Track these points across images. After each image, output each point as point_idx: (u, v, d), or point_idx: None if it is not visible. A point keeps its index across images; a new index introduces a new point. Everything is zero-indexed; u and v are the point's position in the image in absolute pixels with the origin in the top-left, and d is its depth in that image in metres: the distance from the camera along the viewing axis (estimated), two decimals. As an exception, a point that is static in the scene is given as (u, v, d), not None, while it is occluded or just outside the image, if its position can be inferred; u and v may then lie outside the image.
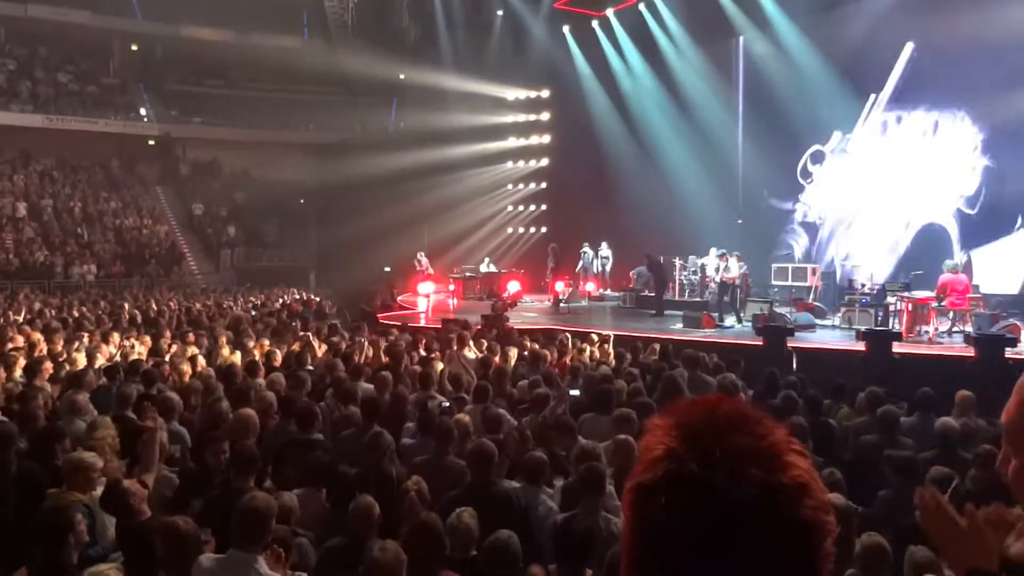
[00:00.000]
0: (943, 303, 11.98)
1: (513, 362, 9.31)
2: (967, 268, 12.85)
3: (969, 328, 11.70)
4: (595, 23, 22.60)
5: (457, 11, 24.18)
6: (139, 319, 13.92)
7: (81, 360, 8.49)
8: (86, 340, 10.20)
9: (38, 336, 10.32)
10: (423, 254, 21.03)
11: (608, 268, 20.92)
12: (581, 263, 20.72)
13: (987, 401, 6.85)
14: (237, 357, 9.33)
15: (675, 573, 0.87)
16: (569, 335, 10.97)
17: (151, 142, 31.85)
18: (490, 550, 3.57)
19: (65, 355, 8.93)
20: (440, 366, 8.68)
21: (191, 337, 10.54)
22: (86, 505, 4.15)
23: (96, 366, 8.41)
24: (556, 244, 20.44)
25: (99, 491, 4.37)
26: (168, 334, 10.94)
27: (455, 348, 9.71)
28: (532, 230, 25.47)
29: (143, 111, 31.64)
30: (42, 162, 29.79)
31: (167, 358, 9.12)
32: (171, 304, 17.27)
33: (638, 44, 21.34)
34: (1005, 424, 1.43)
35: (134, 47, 33.01)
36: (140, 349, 10.09)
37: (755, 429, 0.90)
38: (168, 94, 32.49)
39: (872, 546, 3.62)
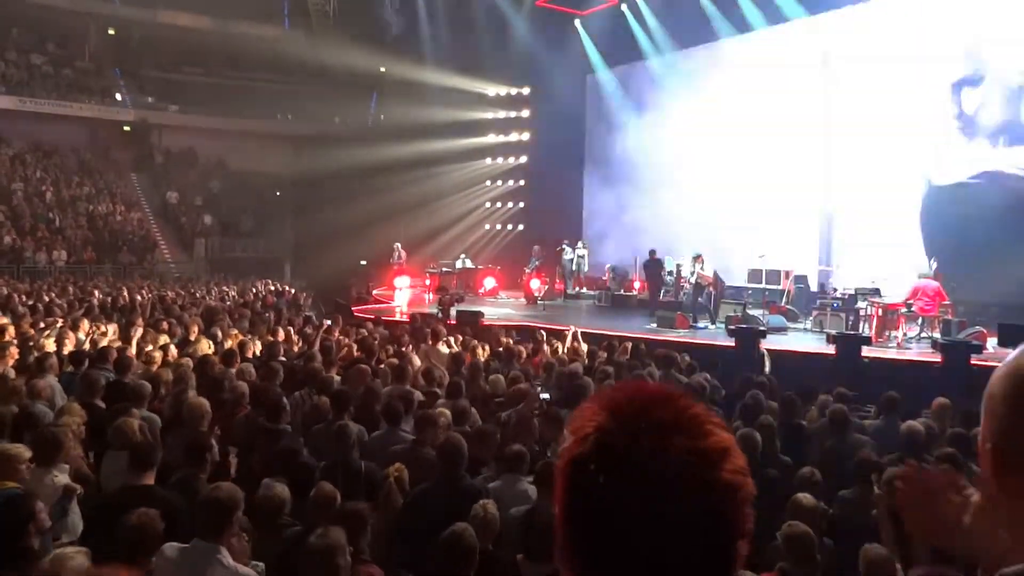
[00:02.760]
0: (912, 308, 12.15)
1: (485, 358, 9.32)
2: (938, 275, 13.03)
3: (937, 334, 11.89)
4: (577, 22, 22.65)
5: (440, 6, 24.11)
6: (110, 306, 13.75)
7: (49, 346, 8.38)
8: (59, 324, 10.06)
9: (5, 320, 10.17)
10: (400, 245, 20.97)
11: (584, 267, 20.98)
12: (562, 262, 20.78)
13: (954, 406, 6.97)
14: (209, 347, 9.25)
15: (607, 542, 0.92)
16: (544, 332, 11.01)
17: (126, 128, 31.44)
18: (444, 543, 3.57)
19: (33, 341, 8.80)
20: (415, 359, 8.67)
21: (163, 326, 10.44)
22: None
23: (64, 352, 8.30)
24: (539, 246, 20.42)
25: (62, 477, 4.32)
26: (140, 322, 10.81)
27: (429, 343, 9.70)
28: (509, 227, 25.48)
29: (119, 96, 31.23)
30: (14, 145, 29.30)
31: (134, 344, 9.03)
32: (143, 292, 17.07)
33: (619, 44, 21.42)
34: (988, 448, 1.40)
35: (111, 31, 32.55)
36: (111, 336, 9.96)
37: (677, 403, 0.97)
38: (144, 80, 32.10)
39: (796, 536, 3.68)
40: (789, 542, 3.68)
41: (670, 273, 17.74)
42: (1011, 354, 1.12)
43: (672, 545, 0.90)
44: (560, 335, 11.17)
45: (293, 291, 20.30)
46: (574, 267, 20.74)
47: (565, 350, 10.22)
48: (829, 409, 6.37)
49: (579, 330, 11.31)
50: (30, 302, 13.75)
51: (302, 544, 3.59)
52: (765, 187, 17.77)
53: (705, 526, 0.91)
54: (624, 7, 20.94)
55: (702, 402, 0.99)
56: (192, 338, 9.84)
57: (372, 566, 3.67)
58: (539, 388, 7.31)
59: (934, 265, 13.31)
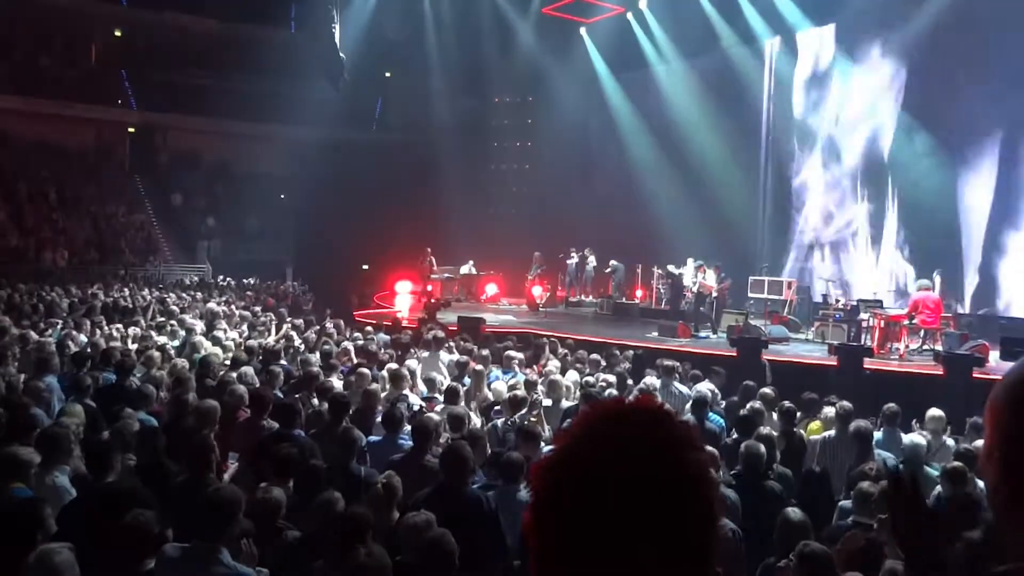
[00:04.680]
0: (914, 321, 12.14)
1: (488, 365, 9.30)
2: (940, 287, 13.04)
3: (939, 347, 11.87)
4: (583, 30, 22.70)
5: (446, 12, 24.16)
6: (111, 308, 13.75)
7: (50, 347, 8.38)
8: (59, 326, 10.07)
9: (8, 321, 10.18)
10: (431, 250, 20.90)
11: (591, 275, 20.92)
12: (568, 270, 20.76)
13: (955, 419, 6.96)
14: (211, 349, 9.25)
15: (573, 540, 0.95)
16: (547, 339, 11.00)
17: (131, 129, 31.48)
18: (424, 547, 3.56)
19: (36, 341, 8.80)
20: (415, 366, 8.65)
21: (165, 328, 10.44)
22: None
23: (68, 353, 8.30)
24: (540, 253, 20.37)
25: (63, 479, 4.31)
26: (142, 324, 10.82)
27: (431, 349, 9.69)
28: (514, 234, 25.41)
29: (124, 98, 31.26)
30: (18, 145, 29.33)
31: (133, 346, 9.03)
32: (145, 294, 17.08)
33: (625, 53, 21.47)
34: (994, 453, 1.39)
35: (117, 33, 32.63)
36: (115, 337, 9.97)
37: (652, 419, 1.00)
38: (150, 82, 32.11)
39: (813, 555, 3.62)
40: (804, 562, 3.60)
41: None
42: (1014, 365, 1.14)
43: (636, 544, 0.93)
44: (562, 342, 11.13)
45: (295, 294, 20.29)
46: (581, 274, 20.72)
47: (565, 356, 10.19)
48: (854, 425, 6.26)
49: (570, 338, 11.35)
50: (32, 302, 13.75)
51: (303, 550, 3.59)
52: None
53: (672, 518, 0.94)
54: (630, 16, 20.98)
55: (683, 422, 1.03)
56: (193, 340, 9.84)
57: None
58: (539, 396, 7.30)
59: (937, 279, 13.30)
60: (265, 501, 4.08)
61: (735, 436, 6.31)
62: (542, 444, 5.67)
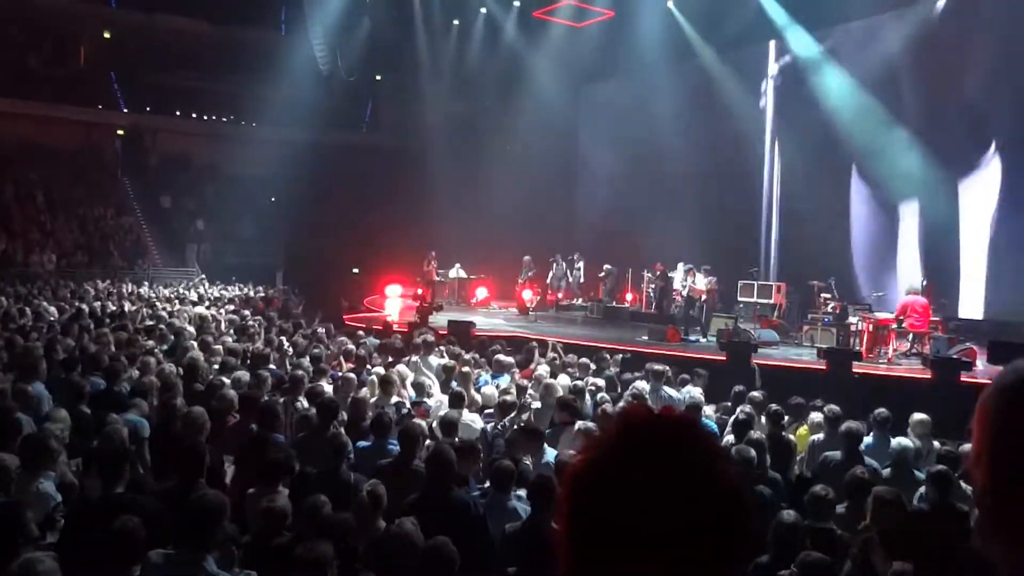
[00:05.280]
0: (903, 325, 12.20)
1: (478, 369, 9.29)
2: (928, 291, 13.09)
3: (927, 350, 11.93)
4: (573, 33, 22.73)
5: (437, 14, 24.16)
6: (100, 312, 13.67)
7: (38, 351, 8.31)
8: (45, 330, 10.00)
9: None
10: (434, 253, 20.89)
11: (580, 278, 20.94)
12: (552, 273, 20.77)
13: (943, 423, 6.99)
14: (199, 354, 9.20)
15: (609, 556, 0.95)
16: (537, 343, 11.00)
17: (119, 131, 31.34)
18: (424, 554, 3.55)
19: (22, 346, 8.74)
20: (405, 370, 8.63)
21: (155, 332, 10.39)
22: None
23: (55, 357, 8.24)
24: (530, 257, 20.36)
25: (48, 484, 4.28)
26: (131, 328, 10.76)
27: (420, 353, 9.67)
28: (503, 237, 25.38)
29: (113, 100, 31.12)
30: (6, 147, 29.14)
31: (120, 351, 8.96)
32: (134, 297, 17.00)
33: (616, 56, 21.52)
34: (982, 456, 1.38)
35: (107, 34, 32.48)
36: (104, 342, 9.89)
37: (689, 434, 1.00)
38: (140, 83, 31.98)
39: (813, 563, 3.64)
40: (805, 570, 3.61)
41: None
42: (1004, 369, 1.14)
43: (672, 555, 0.93)
44: (553, 346, 11.15)
45: (284, 298, 20.22)
46: (569, 279, 20.74)
47: (554, 360, 10.19)
48: (843, 427, 6.26)
49: (558, 341, 11.33)
50: (19, 306, 13.65)
51: (290, 554, 3.57)
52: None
53: (702, 537, 0.93)
54: (620, 20, 21.03)
55: (712, 434, 1.05)
56: (183, 345, 9.79)
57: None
58: (529, 400, 7.30)
59: (924, 282, 13.38)
60: (270, 511, 4.02)
61: (728, 440, 6.33)
62: (545, 445, 5.69)
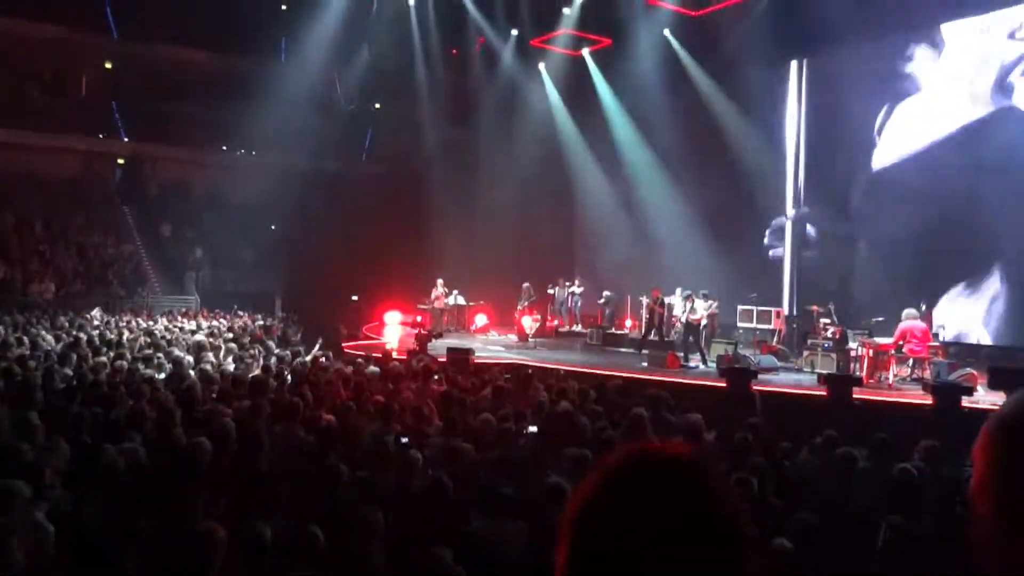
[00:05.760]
0: (903, 350, 12.19)
1: (477, 396, 9.25)
2: (927, 316, 13.11)
3: (928, 376, 11.90)
4: (571, 61, 22.94)
5: (435, 43, 24.38)
6: (98, 340, 13.64)
7: (36, 380, 8.30)
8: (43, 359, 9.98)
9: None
10: (442, 281, 20.90)
11: (579, 304, 20.92)
12: (555, 300, 20.77)
13: (945, 449, 6.94)
14: (198, 381, 9.17)
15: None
16: (534, 370, 10.97)
17: (120, 160, 31.48)
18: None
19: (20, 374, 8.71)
20: (405, 397, 8.60)
21: (152, 360, 10.36)
22: None
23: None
24: (529, 283, 20.37)
25: (39, 515, 4.24)
26: (129, 356, 10.74)
27: (419, 381, 9.64)
28: (502, 263, 25.39)
29: (114, 129, 31.28)
30: (5, 176, 29.23)
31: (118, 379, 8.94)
32: (133, 326, 16.97)
33: (612, 84, 21.70)
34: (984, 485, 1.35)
35: (108, 64, 32.74)
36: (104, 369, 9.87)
37: (695, 467, 1.00)
38: (140, 112, 32.17)
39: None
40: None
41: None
42: (1009, 398, 1.14)
43: None
44: (551, 372, 11.13)
45: (283, 326, 20.19)
46: (569, 304, 20.73)
47: (553, 387, 10.15)
48: (839, 451, 6.22)
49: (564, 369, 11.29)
50: (17, 335, 13.63)
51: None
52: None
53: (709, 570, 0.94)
54: (618, 49, 21.23)
55: (719, 470, 1.04)
56: (181, 373, 9.76)
57: None
58: (527, 427, 7.26)
59: (923, 306, 13.38)
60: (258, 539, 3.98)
61: (726, 467, 6.28)
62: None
